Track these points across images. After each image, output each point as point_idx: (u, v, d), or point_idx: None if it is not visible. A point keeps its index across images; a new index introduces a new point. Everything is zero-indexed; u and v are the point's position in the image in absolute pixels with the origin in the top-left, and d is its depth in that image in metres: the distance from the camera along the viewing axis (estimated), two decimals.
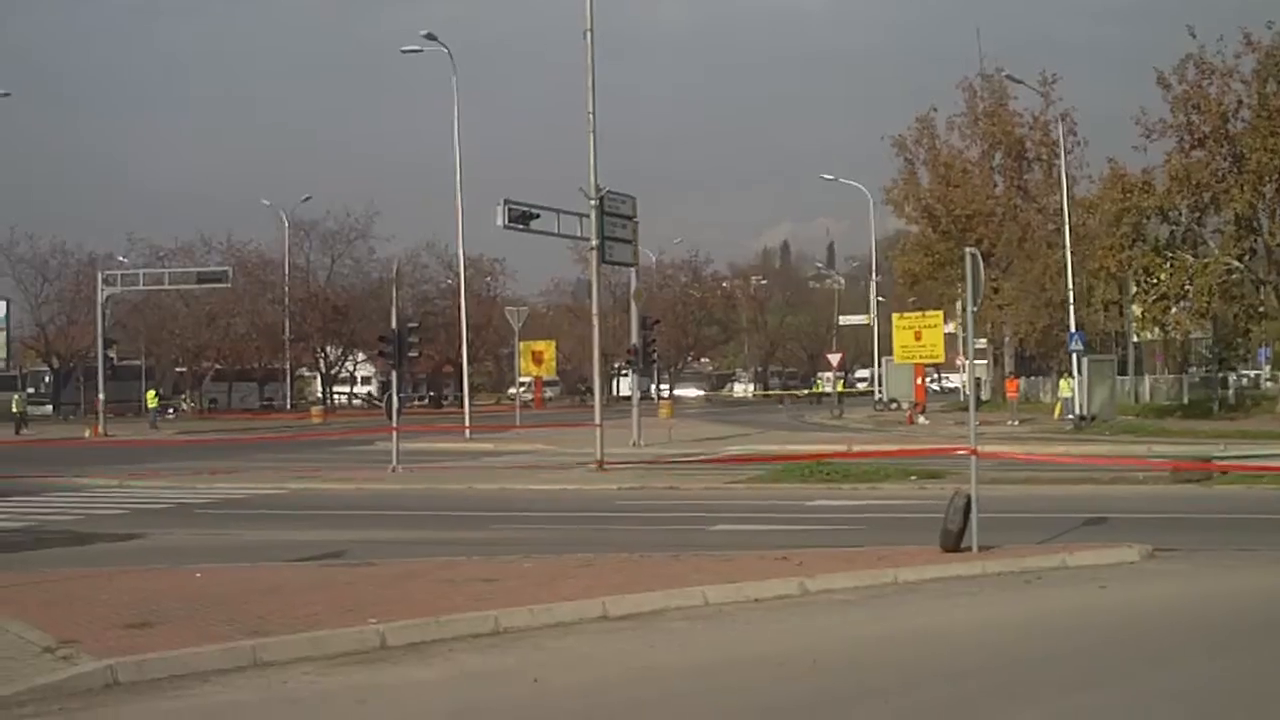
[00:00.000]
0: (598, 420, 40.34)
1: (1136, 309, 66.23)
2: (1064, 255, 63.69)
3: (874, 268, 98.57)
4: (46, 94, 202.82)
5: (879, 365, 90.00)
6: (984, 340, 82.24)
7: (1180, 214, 60.56)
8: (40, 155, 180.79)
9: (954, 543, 18.61)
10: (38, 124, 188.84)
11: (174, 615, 14.41)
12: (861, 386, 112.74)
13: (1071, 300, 62.89)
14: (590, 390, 50.65)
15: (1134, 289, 65.16)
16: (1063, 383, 63.58)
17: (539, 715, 11.57)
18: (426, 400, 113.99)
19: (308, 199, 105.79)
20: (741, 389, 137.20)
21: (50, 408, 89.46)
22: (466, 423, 58.32)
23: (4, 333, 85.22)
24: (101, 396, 66.20)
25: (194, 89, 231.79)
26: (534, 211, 41.53)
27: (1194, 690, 11.91)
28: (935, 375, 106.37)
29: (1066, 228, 63.48)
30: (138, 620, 14.03)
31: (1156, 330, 67.10)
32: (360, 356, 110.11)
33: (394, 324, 40.70)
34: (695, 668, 12.87)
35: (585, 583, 16.50)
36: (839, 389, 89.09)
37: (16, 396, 73.63)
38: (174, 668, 12.25)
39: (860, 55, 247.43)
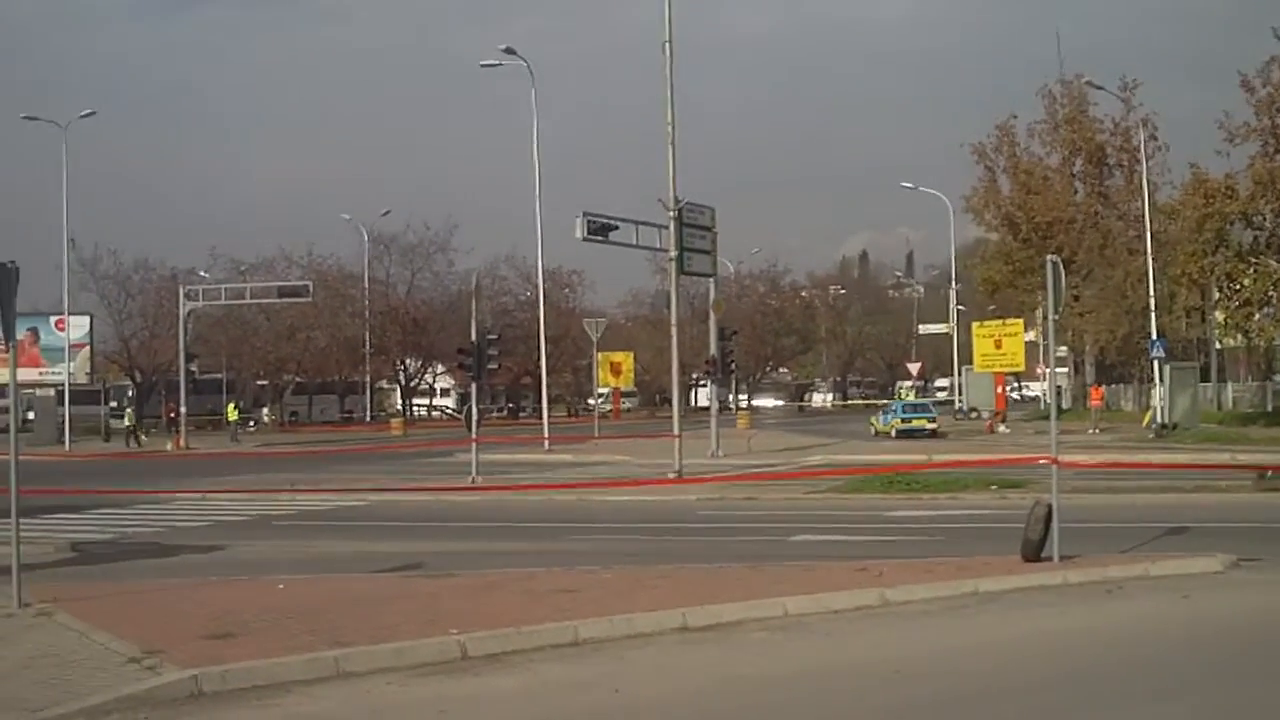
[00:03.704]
0: (676, 431, 40.28)
1: (1219, 315, 65.54)
2: (1145, 262, 63.16)
3: (953, 276, 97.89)
4: (136, 110, 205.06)
5: (959, 374, 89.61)
6: (1065, 348, 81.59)
7: (1264, 219, 59.81)
8: (125, 171, 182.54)
9: (1035, 552, 18.47)
10: (124, 139, 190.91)
11: (257, 626, 14.54)
12: (941, 395, 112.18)
13: (1153, 307, 62.35)
14: (668, 401, 50.57)
15: (1216, 295, 64.43)
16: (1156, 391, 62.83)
17: None
18: (505, 412, 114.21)
19: (387, 213, 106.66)
20: (820, 399, 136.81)
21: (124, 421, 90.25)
22: (545, 434, 58.50)
23: (88, 347, 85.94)
24: (183, 410, 66.74)
25: (278, 106, 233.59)
26: (613, 223, 41.64)
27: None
28: (1015, 384, 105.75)
29: (1148, 234, 62.95)
30: (221, 631, 14.17)
31: (1239, 337, 66.31)
32: (440, 369, 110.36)
33: (473, 336, 40.80)
34: (775, 679, 12.85)
35: (665, 594, 16.50)
36: (916, 398, 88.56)
37: (128, 410, 75.23)
38: (257, 678, 12.36)
39: (937, 59, 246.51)
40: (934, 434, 62.31)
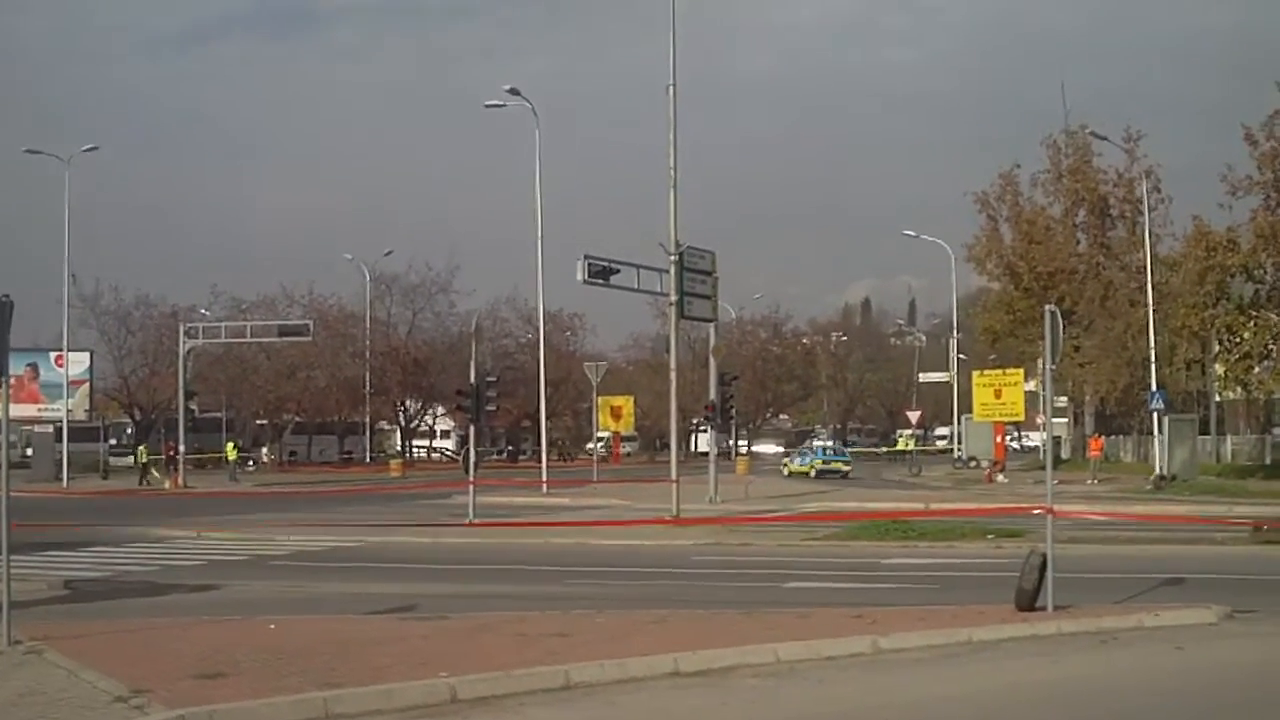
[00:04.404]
0: (674, 476, 40.25)
1: (1219, 368, 65.57)
2: (1146, 314, 63.20)
3: (955, 325, 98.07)
4: (139, 145, 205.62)
5: (958, 423, 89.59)
6: (1064, 398, 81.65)
7: (1265, 272, 59.87)
8: (127, 206, 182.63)
9: (1029, 602, 18.41)
10: (126, 175, 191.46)
11: (246, 666, 14.50)
12: (941, 444, 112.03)
13: (1153, 359, 62.36)
14: (668, 446, 50.55)
15: (1217, 348, 64.49)
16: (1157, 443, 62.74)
17: None
18: (504, 454, 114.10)
19: (389, 253, 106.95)
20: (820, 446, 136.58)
21: (132, 459, 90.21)
22: (543, 477, 58.41)
23: (87, 384, 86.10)
24: (181, 448, 66.63)
25: (281, 143, 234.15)
26: (614, 267, 41.70)
27: None
28: (1015, 433, 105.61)
29: (1149, 286, 62.99)
30: (210, 671, 14.13)
31: (1239, 390, 66.33)
32: (439, 410, 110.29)
33: (473, 378, 40.80)
34: None
35: (658, 638, 16.46)
36: (916, 446, 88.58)
37: (142, 447, 75.62)
38: (244, 719, 12.31)
39: (943, 106, 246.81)
40: (846, 476, 73.61)
